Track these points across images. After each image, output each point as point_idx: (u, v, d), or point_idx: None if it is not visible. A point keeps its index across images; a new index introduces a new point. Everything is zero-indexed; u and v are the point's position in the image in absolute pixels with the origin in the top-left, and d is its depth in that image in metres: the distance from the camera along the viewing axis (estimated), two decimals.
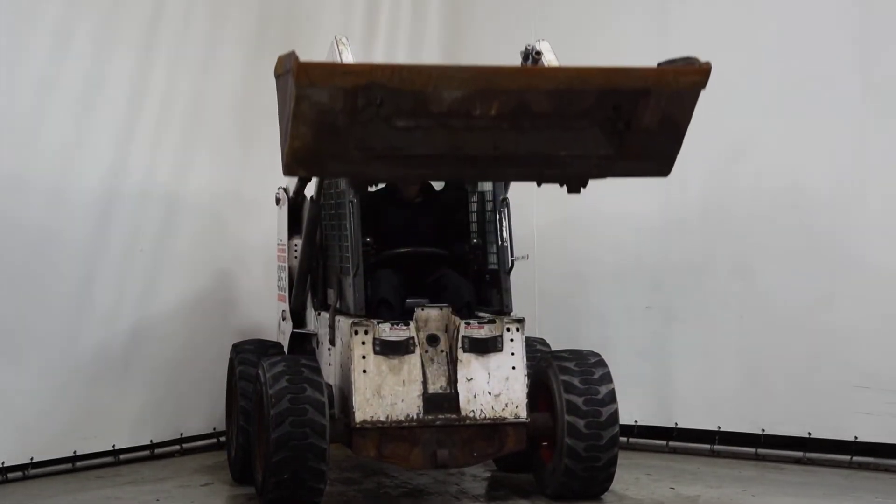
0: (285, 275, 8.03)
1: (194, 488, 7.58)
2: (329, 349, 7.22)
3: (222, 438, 8.49)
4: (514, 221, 7.31)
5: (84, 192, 7.95)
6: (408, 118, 5.31)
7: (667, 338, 8.60)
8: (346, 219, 7.07)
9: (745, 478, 7.71)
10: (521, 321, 6.94)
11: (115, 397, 8.16)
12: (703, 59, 5.38)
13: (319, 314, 7.55)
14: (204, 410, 8.64)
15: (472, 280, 7.34)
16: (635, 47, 8.47)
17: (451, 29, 9.75)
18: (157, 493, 7.39)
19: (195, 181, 8.61)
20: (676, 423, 8.58)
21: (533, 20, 8.93)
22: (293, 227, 8.01)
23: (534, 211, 8.84)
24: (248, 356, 7.63)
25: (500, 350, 6.85)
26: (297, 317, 7.86)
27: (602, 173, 5.78)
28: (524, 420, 6.84)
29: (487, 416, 6.77)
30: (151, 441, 8.41)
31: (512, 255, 7.24)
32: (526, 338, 6.98)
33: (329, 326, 7.15)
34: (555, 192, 8.54)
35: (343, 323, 6.93)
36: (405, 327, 6.79)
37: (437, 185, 7.85)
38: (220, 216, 8.82)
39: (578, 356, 7.09)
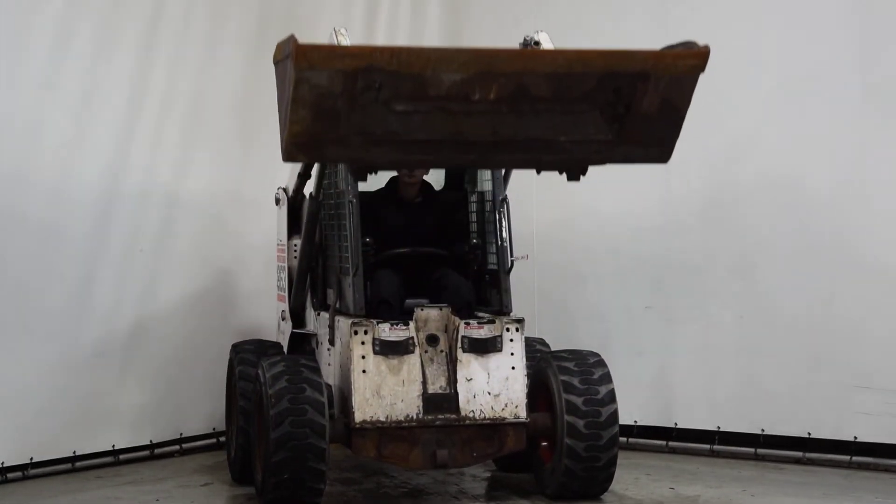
0: (285, 275, 8.03)
1: (194, 488, 7.58)
2: (329, 349, 7.22)
3: (222, 438, 8.49)
4: (513, 221, 7.31)
5: (84, 191, 7.95)
6: (407, 102, 5.29)
7: (667, 338, 8.60)
8: (346, 219, 7.06)
9: (745, 478, 7.71)
10: (520, 321, 6.94)
11: (114, 397, 8.16)
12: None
13: (319, 314, 7.55)
14: (204, 411, 8.64)
15: (472, 280, 7.34)
16: (635, 47, 8.44)
17: (451, 29, 9.74)
18: (156, 494, 7.39)
19: (195, 181, 8.61)
20: (676, 423, 8.57)
21: (532, 19, 8.92)
22: (293, 228, 8.00)
23: (533, 211, 8.84)
24: (247, 356, 7.63)
25: (500, 350, 6.84)
26: (297, 317, 7.86)
27: (602, 159, 5.76)
28: (524, 420, 6.84)
29: (487, 416, 6.77)
30: (151, 441, 8.41)
31: (511, 256, 7.24)
32: (525, 338, 6.97)
33: (329, 326, 7.15)
34: (555, 192, 8.65)
35: (343, 323, 6.93)
36: (405, 327, 6.79)
37: (437, 186, 7.86)
38: (220, 216, 8.82)
39: (578, 356, 7.08)
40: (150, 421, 8.38)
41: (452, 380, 6.77)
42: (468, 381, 6.78)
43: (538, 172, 6.04)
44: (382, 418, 6.66)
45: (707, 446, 8.40)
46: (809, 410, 7.98)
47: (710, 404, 8.42)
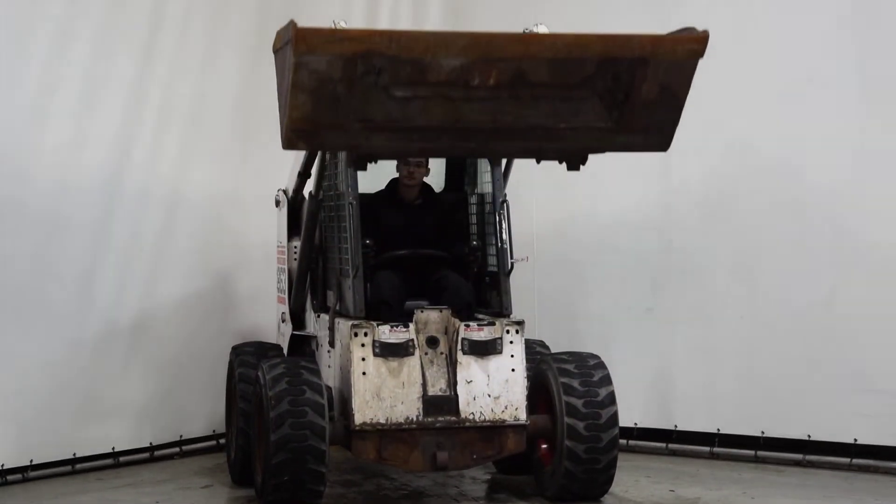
0: (285, 277, 8.02)
1: (194, 490, 7.58)
2: (329, 351, 7.21)
3: (222, 440, 8.49)
4: (513, 223, 7.30)
5: (84, 191, 7.95)
6: (406, 87, 5.28)
7: (666, 339, 8.60)
8: (346, 220, 7.06)
9: (745, 480, 7.70)
10: (520, 323, 6.93)
11: (114, 399, 8.16)
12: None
13: (319, 316, 7.55)
14: (204, 412, 8.64)
15: (472, 282, 7.33)
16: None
17: (452, 28, 9.72)
18: (156, 496, 7.39)
19: (195, 181, 8.61)
20: (676, 426, 8.57)
21: (532, 17, 8.91)
22: (293, 229, 8.00)
23: (533, 212, 8.83)
24: (247, 358, 7.62)
25: (500, 352, 6.84)
26: (297, 319, 7.86)
27: (602, 147, 5.74)
28: (524, 422, 6.83)
29: (487, 418, 6.76)
30: (151, 443, 8.41)
31: (511, 257, 7.23)
32: (525, 340, 6.97)
33: (329, 328, 7.15)
34: (554, 192, 8.65)
35: (343, 325, 6.93)
36: (405, 329, 6.78)
37: (437, 187, 7.85)
38: (220, 216, 8.82)
39: (578, 358, 7.08)
40: (150, 423, 8.38)
41: (452, 382, 6.77)
42: (468, 383, 6.77)
43: (538, 162, 6.02)
44: (382, 420, 6.66)
45: (707, 448, 8.40)
46: (809, 412, 7.98)
47: (709, 406, 8.42)
